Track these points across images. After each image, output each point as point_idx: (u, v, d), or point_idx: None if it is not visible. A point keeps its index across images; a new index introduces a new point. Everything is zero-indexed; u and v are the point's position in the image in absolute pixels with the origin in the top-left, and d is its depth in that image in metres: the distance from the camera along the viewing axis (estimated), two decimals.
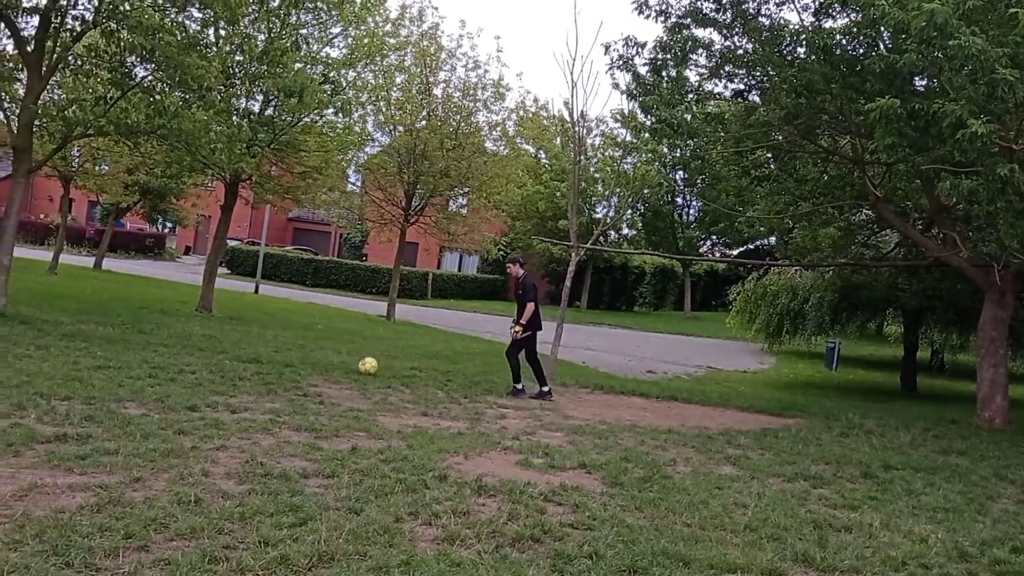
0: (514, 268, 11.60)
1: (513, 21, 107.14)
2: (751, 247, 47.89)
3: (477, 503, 5.22)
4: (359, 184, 29.28)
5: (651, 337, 31.04)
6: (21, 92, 12.57)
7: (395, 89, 22.15)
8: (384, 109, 22.09)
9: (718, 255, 49.57)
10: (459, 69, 23.29)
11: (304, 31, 16.97)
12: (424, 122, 23.24)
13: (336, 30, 18.04)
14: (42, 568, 3.54)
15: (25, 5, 11.83)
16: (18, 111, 12.49)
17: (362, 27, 18.37)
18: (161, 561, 3.73)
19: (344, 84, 18.07)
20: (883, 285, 18.00)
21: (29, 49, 12.03)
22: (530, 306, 10.79)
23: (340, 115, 17.98)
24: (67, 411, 6.46)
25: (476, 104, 23.87)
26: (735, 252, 49.53)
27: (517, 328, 10.83)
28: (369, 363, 11.09)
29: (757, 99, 13.96)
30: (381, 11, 20.05)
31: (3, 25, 11.94)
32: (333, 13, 17.32)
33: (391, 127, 23.39)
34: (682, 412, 11.04)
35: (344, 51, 18.33)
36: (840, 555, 4.83)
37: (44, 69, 12.12)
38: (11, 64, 12.39)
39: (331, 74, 17.40)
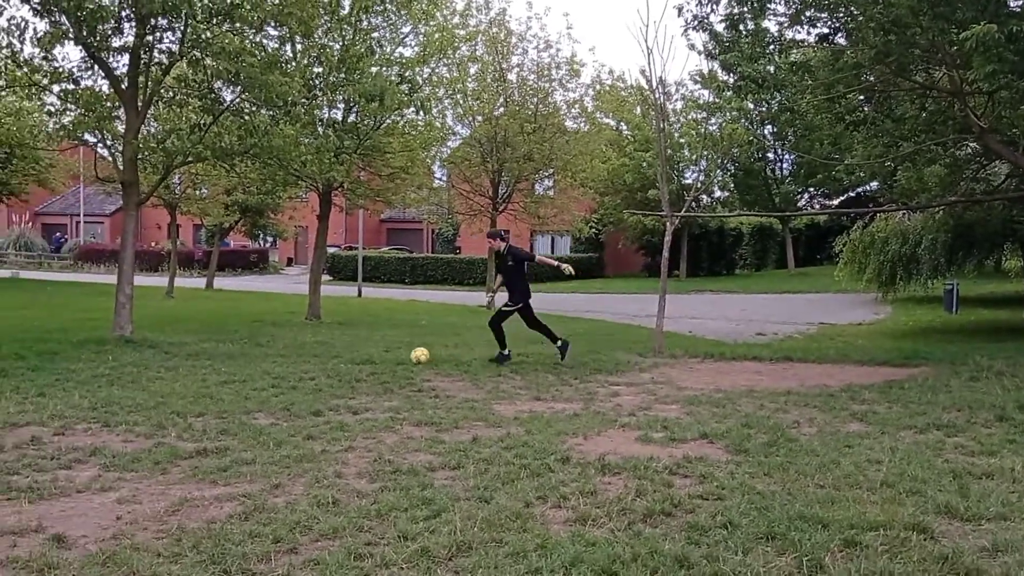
0: (496, 243, 12.01)
1: None
2: (852, 195, 46.08)
3: (603, 482, 5.24)
4: (445, 179, 29.64)
5: (756, 299, 30.36)
6: (121, 129, 13.19)
7: (470, 80, 22.28)
8: (461, 101, 22.25)
9: (818, 207, 47.87)
10: (531, 51, 23.35)
11: (376, 34, 17.25)
12: (502, 109, 23.33)
13: (406, 29, 18.27)
14: None
15: (115, 45, 12.41)
16: (121, 147, 13.11)
17: (431, 23, 18.55)
18: (311, 562, 3.89)
19: (420, 81, 18.29)
20: (997, 219, 17.11)
21: (124, 87, 12.59)
22: (539, 257, 11.17)
23: (420, 113, 18.23)
24: (203, 427, 6.78)
25: (552, 84, 23.84)
26: (835, 202, 47.72)
27: (569, 268, 11.66)
28: (421, 355, 10.89)
29: (843, 41, 13.42)
30: (448, 4, 20.20)
31: (97, 66, 12.55)
32: (402, 12, 17.55)
33: (470, 118, 23.58)
34: (799, 372, 10.78)
35: (416, 49, 18.54)
36: (984, 503, 4.65)
37: (140, 104, 12.68)
38: (109, 103, 13.02)
39: (407, 73, 17.64)
